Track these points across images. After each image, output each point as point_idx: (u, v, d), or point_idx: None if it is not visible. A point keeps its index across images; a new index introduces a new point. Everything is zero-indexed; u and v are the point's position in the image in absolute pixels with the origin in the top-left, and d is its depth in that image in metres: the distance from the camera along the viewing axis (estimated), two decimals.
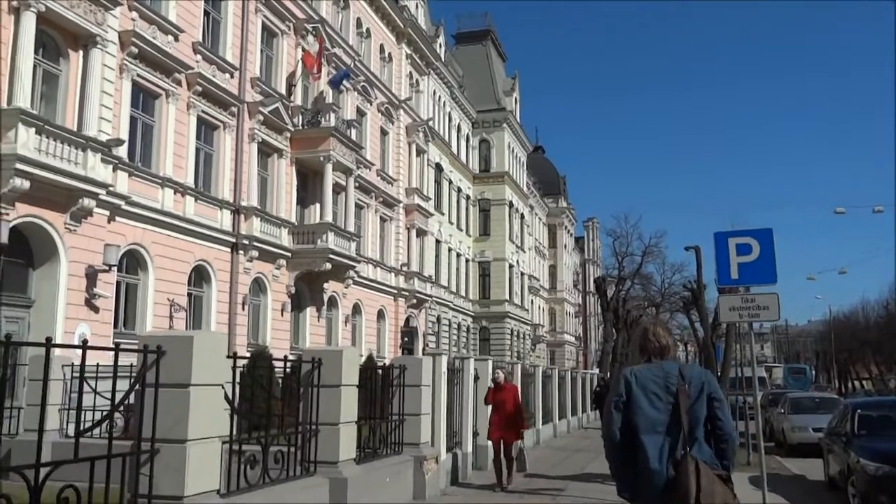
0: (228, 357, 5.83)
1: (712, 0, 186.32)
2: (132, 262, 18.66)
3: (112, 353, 5.00)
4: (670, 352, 4.25)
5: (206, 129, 21.73)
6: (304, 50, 25.95)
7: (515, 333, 51.51)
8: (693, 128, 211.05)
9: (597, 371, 40.84)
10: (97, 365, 5.84)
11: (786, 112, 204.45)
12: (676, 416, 3.94)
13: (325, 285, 27.21)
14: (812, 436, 16.05)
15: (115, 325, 17.82)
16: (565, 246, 75.78)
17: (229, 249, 22.17)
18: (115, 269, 17.00)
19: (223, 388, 5.67)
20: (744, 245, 9.65)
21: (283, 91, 25.23)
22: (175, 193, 19.82)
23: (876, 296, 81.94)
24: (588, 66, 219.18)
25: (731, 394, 24.22)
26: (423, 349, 34.94)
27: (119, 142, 17.18)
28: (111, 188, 16.72)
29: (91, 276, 16.41)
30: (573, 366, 65.23)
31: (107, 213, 17.06)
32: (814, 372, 73.66)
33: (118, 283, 17.97)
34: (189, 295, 20.62)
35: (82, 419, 6.88)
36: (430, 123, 39.49)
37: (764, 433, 15.55)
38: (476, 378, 13.43)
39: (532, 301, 61.29)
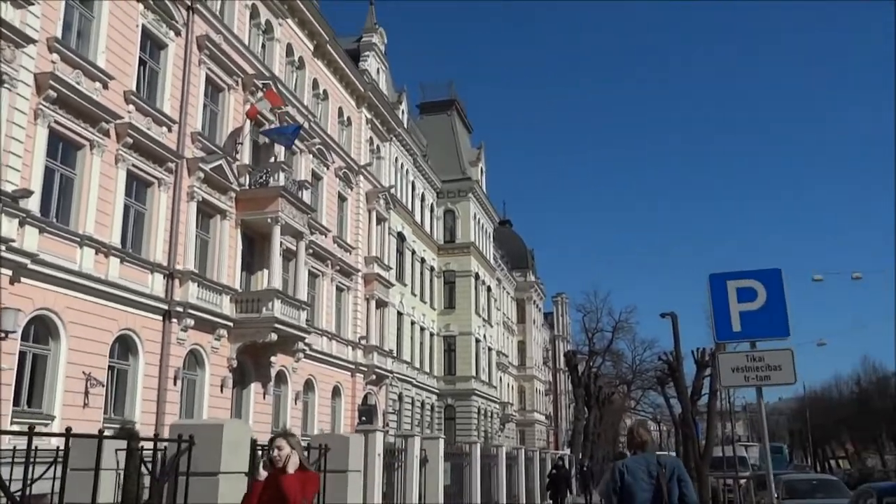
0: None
1: (688, 68, 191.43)
2: (41, 329, 16.41)
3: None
4: (649, 445, 6.17)
5: (137, 185, 19.84)
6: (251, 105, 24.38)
7: (483, 412, 49.05)
8: (664, 194, 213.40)
9: (567, 451, 38.50)
10: None
11: (761, 176, 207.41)
12: (659, 494, 5.63)
13: (273, 359, 24.97)
14: None
15: (16, 403, 15.46)
16: (534, 321, 74.04)
17: (161, 317, 19.99)
18: (14, 336, 14.77)
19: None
20: (746, 290, 7.91)
21: (228, 148, 23.53)
22: (97, 254, 17.75)
23: (848, 370, 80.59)
24: (556, 140, 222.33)
25: (713, 475, 22.28)
26: (384, 430, 32.50)
27: (27, 193, 15.22)
28: (12, 244, 14.64)
29: None
30: (543, 446, 62.58)
31: (9, 272, 14.95)
32: (789, 451, 71.55)
33: (22, 355, 15.71)
34: (111, 368, 18.32)
35: None
36: (392, 191, 38.04)
37: None
38: (424, 461, 11.36)
39: (500, 378, 59.01)
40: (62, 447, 4.87)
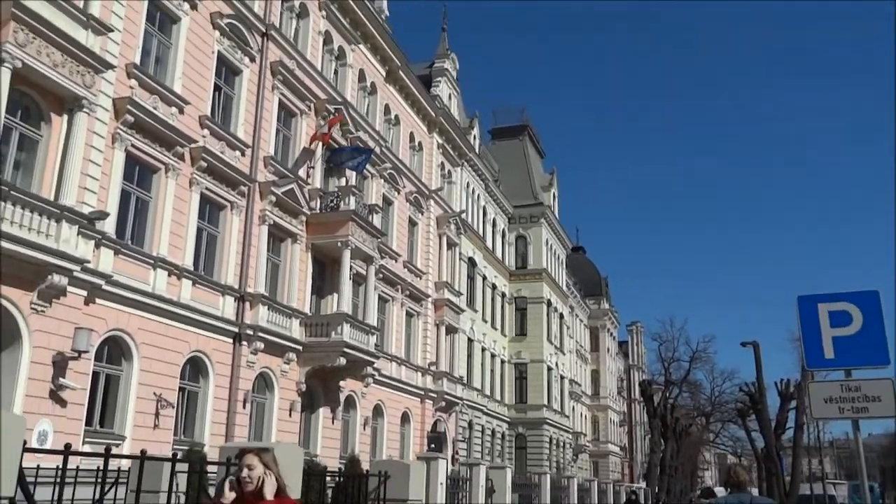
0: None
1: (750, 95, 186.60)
2: (115, 350, 16.60)
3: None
4: (745, 486, 6.85)
5: (210, 208, 20.07)
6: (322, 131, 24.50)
7: (555, 441, 47.91)
8: (742, 219, 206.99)
9: (643, 485, 37.12)
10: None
11: (856, 197, 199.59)
12: None
13: (342, 383, 24.84)
14: None
15: (89, 423, 15.63)
16: (608, 350, 72.39)
17: (231, 340, 20.06)
18: (87, 356, 14.94)
19: None
20: (840, 313, 7.19)
21: (300, 172, 23.67)
22: (169, 276, 17.94)
23: None
24: (629, 163, 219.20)
25: None
26: (453, 457, 31.97)
27: (103, 214, 15.47)
28: (87, 265, 14.86)
29: (60, 364, 14.38)
30: (618, 478, 60.77)
31: (84, 293, 15.17)
32: (882, 490, 67.65)
33: (95, 375, 15.90)
34: (181, 390, 18.42)
35: None
36: (463, 216, 37.80)
37: None
38: (491, 490, 10.84)
39: (573, 407, 57.72)
40: (124, 468, 4.69)
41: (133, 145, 17.08)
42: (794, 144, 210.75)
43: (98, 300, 15.67)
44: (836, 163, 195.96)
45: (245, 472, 4.20)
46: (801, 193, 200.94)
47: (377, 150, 28.29)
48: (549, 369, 47.31)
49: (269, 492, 4.17)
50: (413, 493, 7.55)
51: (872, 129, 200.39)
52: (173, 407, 17.49)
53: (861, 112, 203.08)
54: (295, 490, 5.13)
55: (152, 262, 17.43)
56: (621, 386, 78.00)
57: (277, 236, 22.66)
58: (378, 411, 28.36)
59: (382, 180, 29.66)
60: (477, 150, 42.10)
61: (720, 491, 39.27)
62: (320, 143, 24.63)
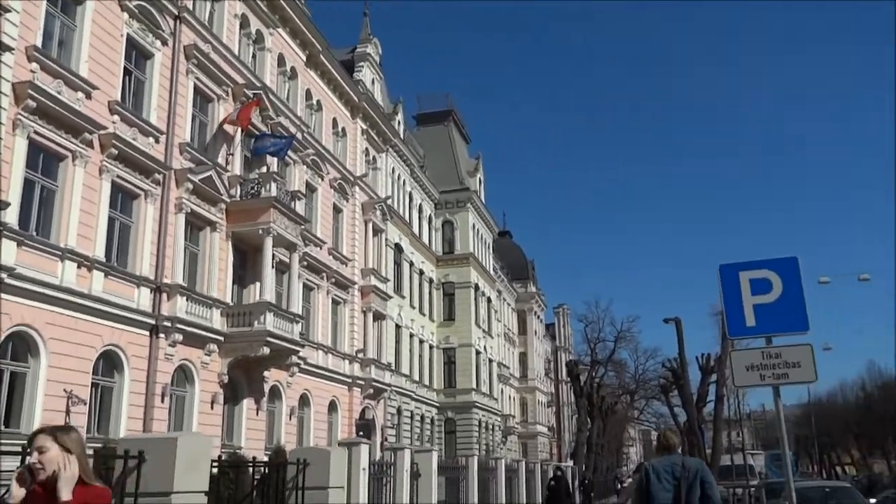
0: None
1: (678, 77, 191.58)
2: (21, 346, 15.88)
3: None
4: (676, 448, 6.83)
5: (123, 197, 19.35)
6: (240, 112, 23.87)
7: (484, 424, 48.35)
8: (665, 200, 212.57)
9: (570, 463, 37.84)
10: None
11: (764, 179, 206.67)
12: (678, 495, 6.16)
13: (266, 374, 24.42)
14: None
15: None
16: (535, 332, 73.36)
17: (148, 332, 19.45)
18: None
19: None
20: (761, 281, 7.29)
21: (219, 159, 23.06)
22: (79, 268, 17.24)
23: (854, 375, 79.84)
24: (554, 150, 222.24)
25: (721, 484, 21.62)
26: (382, 444, 31.88)
27: (3, 204, 14.74)
28: None
29: None
30: (546, 458, 61.82)
31: None
32: (795, 458, 70.67)
33: None
34: (94, 385, 17.76)
35: None
36: (389, 202, 37.56)
37: None
38: (416, 475, 10.80)
39: (502, 390, 58.32)
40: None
41: (36, 132, 16.28)
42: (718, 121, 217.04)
43: (1, 294, 14.92)
44: (762, 133, 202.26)
45: (35, 457, 3.24)
46: (719, 172, 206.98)
47: (299, 135, 27.80)
48: (478, 353, 47.63)
49: (68, 483, 3.18)
50: (334, 479, 7.42)
51: (787, 97, 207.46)
52: (85, 403, 16.86)
53: (770, 81, 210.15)
54: (199, 483, 4.90)
55: (60, 253, 16.71)
56: (549, 367, 79.23)
57: (196, 225, 22.05)
58: (304, 401, 28.02)
59: (305, 167, 29.18)
60: (402, 136, 41.86)
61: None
62: (240, 130, 24.03)
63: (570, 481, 22.95)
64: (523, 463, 20.13)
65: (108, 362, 18.44)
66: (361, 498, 8.10)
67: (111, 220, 18.72)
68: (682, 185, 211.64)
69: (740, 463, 31.95)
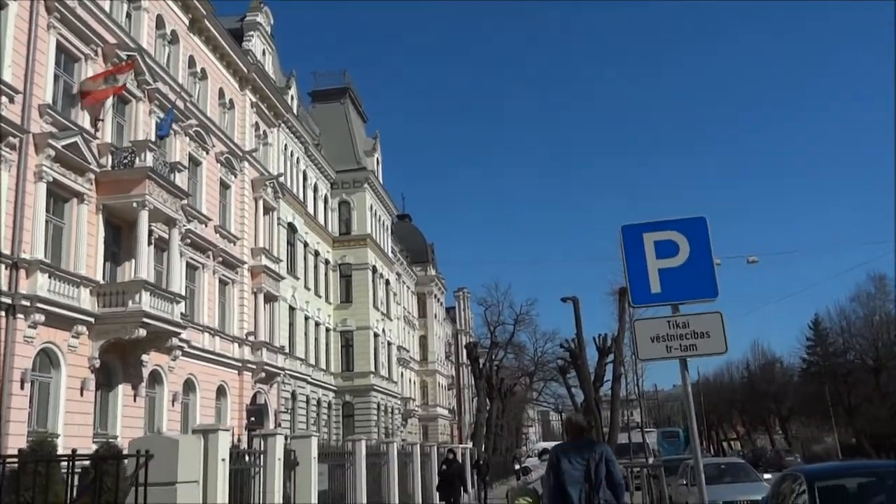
0: None
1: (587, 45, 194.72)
2: None
3: None
4: (584, 432, 7.16)
5: None
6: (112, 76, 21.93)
7: (383, 408, 47.46)
8: (562, 177, 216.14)
9: (470, 445, 37.45)
10: None
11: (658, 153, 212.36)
12: (588, 474, 6.64)
13: (145, 357, 22.67)
14: None
15: None
16: (436, 316, 72.96)
17: (2, 313, 17.52)
18: None
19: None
20: (666, 243, 6.62)
21: (87, 125, 21.09)
22: None
23: (739, 356, 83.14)
24: (452, 131, 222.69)
25: (620, 462, 21.52)
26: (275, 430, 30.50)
27: None
28: None
29: None
30: (446, 440, 61.62)
31: None
32: (686, 434, 73.12)
33: None
34: None
35: None
36: (282, 180, 35.93)
37: None
38: (294, 463, 9.75)
39: (402, 373, 57.61)
40: None
41: None
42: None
43: None
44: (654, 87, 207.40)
45: None
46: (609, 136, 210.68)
47: (180, 104, 25.96)
48: (376, 336, 46.63)
49: None
50: (184, 473, 6.30)
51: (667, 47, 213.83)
52: None
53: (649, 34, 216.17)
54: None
55: None
56: (449, 350, 79.08)
57: (60, 196, 20.09)
58: (190, 386, 26.36)
59: (188, 138, 27.33)
60: (295, 112, 40.23)
61: (533, 462, 40.26)
62: (113, 96, 22.09)
63: (465, 464, 22.21)
64: (418, 446, 19.24)
65: None
66: (220, 494, 6.98)
67: None
68: (587, 154, 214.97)
69: (636, 441, 32.39)
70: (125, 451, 9.42)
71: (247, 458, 8.42)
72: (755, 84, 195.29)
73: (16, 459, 7.51)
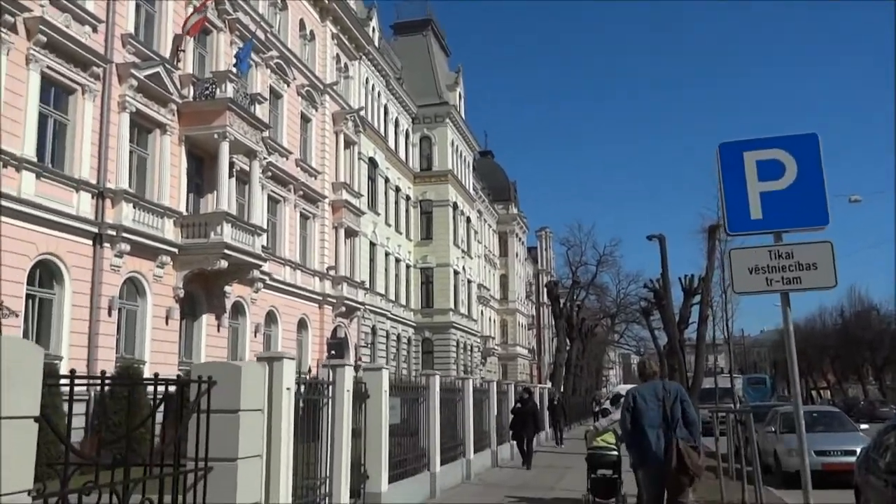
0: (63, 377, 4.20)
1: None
2: None
3: None
4: (657, 375, 7.78)
5: (57, 92, 17.48)
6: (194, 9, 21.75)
7: (462, 345, 47.58)
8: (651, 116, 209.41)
9: (549, 385, 37.10)
10: None
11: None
12: (664, 414, 6.97)
13: (228, 289, 23.02)
14: (815, 461, 12.45)
15: None
16: (517, 255, 72.33)
17: (90, 241, 17.88)
18: None
19: None
20: (770, 163, 5.76)
21: (168, 55, 21.05)
22: (5, 167, 15.53)
23: (833, 302, 79.63)
24: (537, 71, 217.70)
25: (704, 407, 20.77)
26: (356, 363, 30.83)
27: None
28: None
29: None
30: (525, 380, 61.64)
31: None
32: (773, 382, 71.14)
33: None
34: (30, 297, 16.29)
35: None
36: (363, 114, 35.56)
37: (746, 455, 11.94)
38: (365, 395, 9.49)
39: (482, 311, 57.57)
40: None
41: None
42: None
43: None
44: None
45: None
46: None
47: (261, 35, 25.69)
48: (456, 273, 46.47)
49: None
50: (247, 401, 6.02)
51: None
52: (17, 316, 15.36)
53: None
54: (27, 406, 3.48)
55: None
56: (530, 290, 78.57)
57: (143, 127, 20.22)
58: (272, 317, 26.76)
59: (269, 70, 27.14)
60: (377, 44, 39.55)
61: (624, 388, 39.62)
62: (193, 26, 21.94)
63: (538, 405, 21.72)
64: (494, 384, 18.87)
65: (47, 272, 16.93)
66: (285, 423, 6.71)
67: (43, 117, 16.91)
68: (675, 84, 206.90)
69: (723, 386, 31.33)
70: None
71: (315, 388, 8.14)
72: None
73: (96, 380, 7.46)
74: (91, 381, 5.16)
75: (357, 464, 9.17)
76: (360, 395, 9.33)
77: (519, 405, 18.01)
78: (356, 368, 22.29)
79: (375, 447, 9.30)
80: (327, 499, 8.10)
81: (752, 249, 5.87)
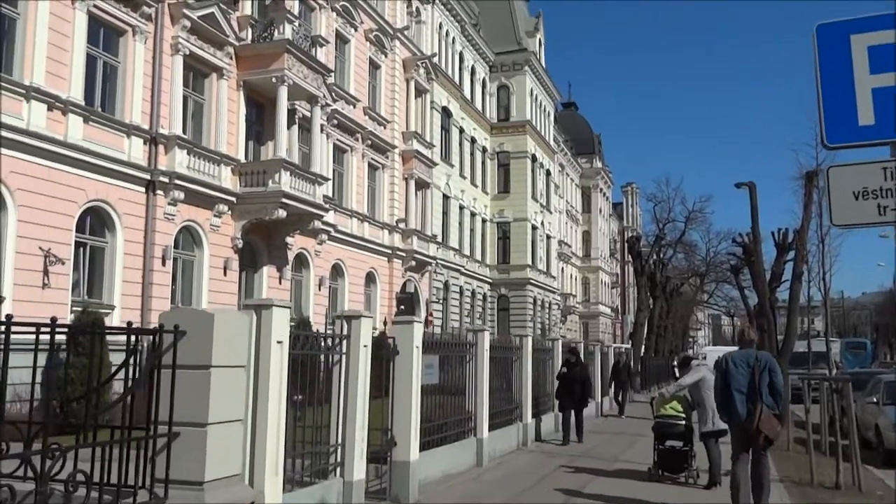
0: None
1: None
2: None
3: None
4: (754, 343, 8.22)
5: (106, 33, 16.89)
6: None
7: (540, 303, 46.23)
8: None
9: (629, 346, 35.52)
10: None
11: None
12: (752, 380, 7.54)
13: (290, 240, 22.40)
14: None
15: None
16: (601, 211, 69.97)
17: (143, 189, 17.40)
18: None
19: None
20: (889, 49, 4.06)
21: None
22: (50, 110, 15.05)
23: None
24: (621, 22, 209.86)
25: (795, 373, 18.96)
26: (427, 319, 30.00)
27: None
28: None
29: None
30: (608, 339, 59.93)
31: None
32: (874, 347, 67.11)
33: None
34: (80, 245, 15.93)
35: None
36: (435, 61, 34.19)
37: (841, 428, 10.40)
38: (394, 352, 8.42)
39: (562, 269, 55.92)
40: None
41: None
42: None
43: None
44: None
45: None
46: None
47: None
48: (534, 228, 44.94)
49: None
50: (223, 356, 5.02)
51: None
52: (63, 263, 15.00)
53: None
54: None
55: (24, 91, 14.48)
56: (614, 248, 76.18)
57: (199, 70, 19.54)
58: (338, 271, 26.12)
59: (335, 14, 26.07)
60: None
61: (713, 351, 37.48)
62: None
63: (590, 370, 18.75)
64: (559, 342, 17.48)
65: (98, 220, 16.54)
66: (275, 382, 5.70)
67: (91, 59, 16.36)
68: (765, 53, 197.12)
69: (818, 350, 28.79)
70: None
71: (323, 342, 7.10)
72: None
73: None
74: (40, 331, 4.18)
75: (384, 429, 8.16)
76: (391, 351, 8.27)
77: (565, 370, 15.15)
78: (425, 324, 21.07)
79: (405, 410, 8.25)
80: (338, 469, 7.09)
81: (860, 166, 4.23)
